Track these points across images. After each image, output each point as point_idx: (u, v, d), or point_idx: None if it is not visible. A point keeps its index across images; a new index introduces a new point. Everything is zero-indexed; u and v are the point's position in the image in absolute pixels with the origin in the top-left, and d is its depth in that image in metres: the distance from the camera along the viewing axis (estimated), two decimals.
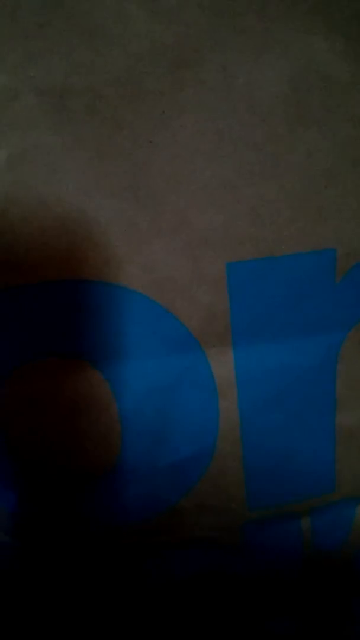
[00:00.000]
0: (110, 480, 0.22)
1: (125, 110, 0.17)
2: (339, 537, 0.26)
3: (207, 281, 0.20)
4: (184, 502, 0.23)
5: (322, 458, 0.24)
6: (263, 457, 0.23)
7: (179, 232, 0.19)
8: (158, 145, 0.18)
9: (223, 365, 0.21)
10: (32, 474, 0.22)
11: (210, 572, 0.26)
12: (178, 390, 0.21)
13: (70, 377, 0.20)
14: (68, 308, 0.19)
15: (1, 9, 0.16)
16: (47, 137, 0.17)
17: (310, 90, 0.18)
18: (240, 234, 0.19)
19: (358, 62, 0.17)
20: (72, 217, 0.18)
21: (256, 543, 0.25)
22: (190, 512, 0.24)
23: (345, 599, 0.28)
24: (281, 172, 0.19)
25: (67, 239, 0.18)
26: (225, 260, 0.20)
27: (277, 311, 0.21)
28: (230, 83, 0.17)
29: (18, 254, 0.18)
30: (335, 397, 0.23)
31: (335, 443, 0.23)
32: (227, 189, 0.19)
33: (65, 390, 0.20)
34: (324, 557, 0.26)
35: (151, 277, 0.19)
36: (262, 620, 0.28)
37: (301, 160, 0.19)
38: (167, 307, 0.20)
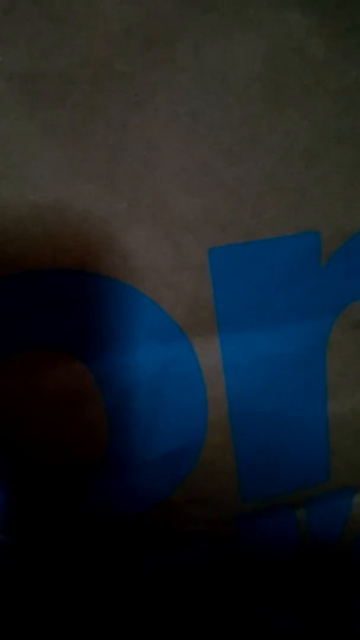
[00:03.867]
0: (99, 474, 0.22)
1: (97, 94, 0.17)
2: (336, 528, 0.25)
3: (189, 268, 0.19)
4: (176, 495, 0.23)
5: (314, 447, 0.23)
6: (254, 447, 0.22)
7: (158, 218, 0.19)
8: (133, 129, 0.17)
9: (209, 354, 0.21)
10: (19, 468, 0.21)
11: (206, 566, 0.25)
12: (164, 381, 0.21)
13: (54, 370, 0.20)
14: (48, 299, 0.19)
15: None
16: (19, 124, 0.17)
17: (286, 68, 0.17)
18: (221, 218, 0.19)
19: (333, 37, 0.17)
20: (48, 205, 0.18)
21: (251, 535, 0.25)
22: (183, 505, 0.23)
23: (344, 591, 0.28)
24: (260, 154, 0.18)
25: (43, 228, 0.18)
26: (207, 245, 0.19)
27: (262, 297, 0.20)
28: (202, 63, 0.17)
29: None
30: (325, 384, 0.22)
31: (328, 431, 0.23)
32: (206, 172, 0.18)
33: (49, 383, 0.20)
34: (321, 548, 0.26)
35: (132, 265, 0.19)
36: (261, 614, 0.27)
37: (280, 140, 0.18)
38: (150, 296, 0.20)
